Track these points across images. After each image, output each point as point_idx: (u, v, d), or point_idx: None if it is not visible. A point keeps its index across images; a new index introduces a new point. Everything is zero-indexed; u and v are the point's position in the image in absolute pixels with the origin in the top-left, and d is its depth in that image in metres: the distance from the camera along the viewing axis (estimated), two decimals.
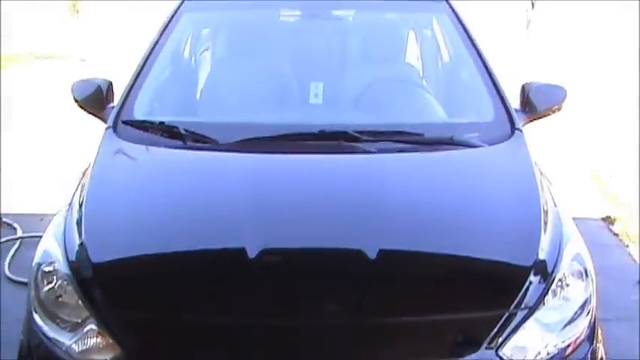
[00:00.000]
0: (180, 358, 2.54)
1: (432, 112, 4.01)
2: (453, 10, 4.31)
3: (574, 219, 3.19)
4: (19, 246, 5.24)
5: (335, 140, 3.38)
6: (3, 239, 5.34)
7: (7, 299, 4.51)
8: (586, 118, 8.32)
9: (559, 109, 3.86)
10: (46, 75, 10.95)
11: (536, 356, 2.63)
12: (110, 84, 3.90)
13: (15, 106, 8.85)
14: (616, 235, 5.71)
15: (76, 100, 3.83)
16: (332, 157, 3.37)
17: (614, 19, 13.69)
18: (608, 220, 5.92)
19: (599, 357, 2.87)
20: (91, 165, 3.32)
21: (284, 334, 2.57)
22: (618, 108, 9.08)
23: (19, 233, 5.42)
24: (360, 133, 3.41)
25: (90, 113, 3.82)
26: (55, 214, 3.21)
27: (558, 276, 2.77)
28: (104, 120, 3.68)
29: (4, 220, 5.63)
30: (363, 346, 2.54)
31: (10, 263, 4.99)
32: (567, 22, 14.22)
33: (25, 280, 3.63)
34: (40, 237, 3.11)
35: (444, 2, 4.38)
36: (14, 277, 4.79)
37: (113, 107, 3.72)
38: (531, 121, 3.79)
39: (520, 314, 2.63)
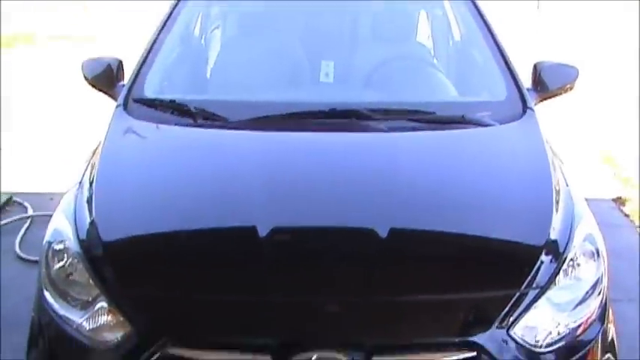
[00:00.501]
0: (190, 335, 2.53)
1: (443, 90, 4.00)
2: None
3: (585, 199, 3.18)
4: (30, 225, 5.26)
5: (346, 118, 3.39)
6: (14, 218, 5.36)
7: (18, 278, 4.53)
8: (598, 99, 8.28)
9: (571, 89, 3.84)
10: (54, 55, 10.92)
11: (547, 336, 2.61)
12: (120, 62, 3.90)
13: (25, 85, 8.86)
14: (627, 215, 5.69)
15: (86, 78, 3.84)
16: (343, 136, 3.37)
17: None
18: (620, 201, 5.90)
19: (609, 337, 2.86)
20: (102, 143, 3.32)
21: (294, 311, 2.56)
22: (631, 89, 9.01)
23: (30, 212, 5.45)
24: (372, 111, 3.41)
25: (100, 91, 3.83)
26: (65, 193, 3.21)
27: (570, 256, 2.76)
28: (114, 98, 3.68)
29: (14, 199, 5.65)
30: (373, 324, 2.53)
31: (20, 242, 5.01)
32: (579, 1, 14.11)
33: (35, 258, 3.64)
34: (51, 216, 3.11)
35: None
36: (25, 256, 4.81)
37: (123, 85, 3.72)
38: (543, 100, 3.78)
39: (531, 294, 2.61)
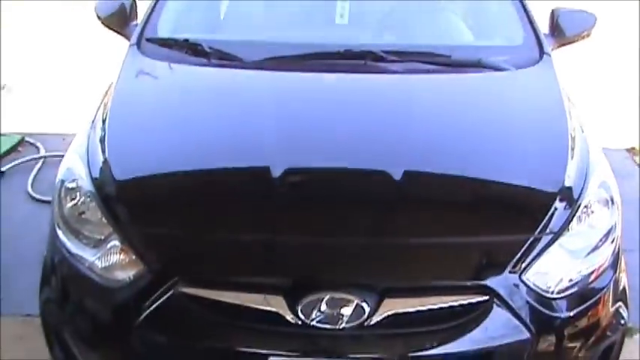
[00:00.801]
0: (202, 274, 2.54)
1: (459, 34, 3.97)
2: None
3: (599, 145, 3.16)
4: (42, 165, 5.26)
5: (361, 60, 3.37)
6: (26, 158, 5.36)
7: (31, 218, 4.55)
8: (613, 48, 8.14)
9: (588, 36, 3.83)
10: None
11: (559, 282, 2.61)
12: (134, 2, 3.90)
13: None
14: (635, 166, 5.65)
15: (99, 18, 3.84)
16: (358, 77, 3.36)
17: None
18: (633, 151, 5.85)
19: (621, 286, 2.87)
20: (115, 82, 3.31)
21: (306, 252, 2.56)
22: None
23: (42, 152, 5.45)
24: (387, 53, 3.39)
25: (113, 31, 3.83)
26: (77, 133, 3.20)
27: (584, 203, 2.75)
28: (127, 37, 3.68)
29: (26, 139, 5.65)
30: (386, 266, 2.53)
31: (33, 182, 5.02)
32: None
33: (48, 198, 3.65)
34: (63, 156, 3.11)
35: None
36: (37, 196, 4.82)
37: (137, 25, 3.71)
38: (560, 46, 3.77)
39: (544, 239, 2.60)
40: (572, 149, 2.94)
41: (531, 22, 3.68)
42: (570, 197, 2.74)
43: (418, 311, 2.46)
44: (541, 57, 3.52)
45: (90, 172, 2.83)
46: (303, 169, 2.81)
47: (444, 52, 3.47)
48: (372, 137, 2.95)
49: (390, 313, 2.44)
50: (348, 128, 3.01)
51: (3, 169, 5.19)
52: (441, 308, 2.47)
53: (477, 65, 3.41)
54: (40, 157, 5.37)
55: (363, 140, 2.94)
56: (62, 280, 2.78)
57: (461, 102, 3.26)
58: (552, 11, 3.87)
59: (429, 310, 2.46)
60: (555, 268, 2.61)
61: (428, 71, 3.37)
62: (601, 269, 2.71)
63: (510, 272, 2.53)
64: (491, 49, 3.64)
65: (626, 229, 3.04)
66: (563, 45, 3.77)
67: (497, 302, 2.49)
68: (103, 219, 2.67)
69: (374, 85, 3.33)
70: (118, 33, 3.81)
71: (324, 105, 3.21)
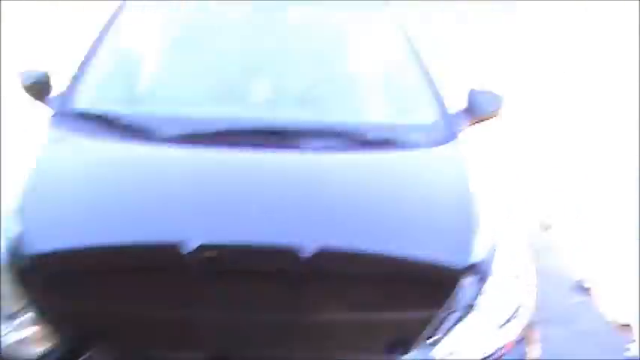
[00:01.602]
0: (115, 349, 2.52)
1: (373, 112, 4.03)
2: (392, 14, 4.38)
3: (510, 221, 3.23)
4: None
5: (276, 137, 3.42)
6: None
7: None
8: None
9: (496, 116, 3.90)
10: None
11: (469, 357, 2.65)
12: (50, 73, 3.88)
13: None
14: (552, 240, 5.76)
15: (23, 87, 3.82)
16: (272, 155, 3.39)
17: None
18: (545, 225, 5.97)
19: (534, 359, 2.90)
20: (33, 154, 3.30)
21: (219, 328, 2.58)
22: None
23: None
24: (302, 130, 3.45)
25: (36, 100, 3.81)
26: None
27: (493, 277, 2.79)
28: (49, 107, 3.66)
29: None
30: (296, 343, 2.56)
31: None
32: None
33: None
34: None
35: (385, 6, 4.48)
36: None
37: (59, 96, 3.70)
38: (471, 125, 3.84)
39: (455, 315, 2.65)
40: (480, 225, 2.99)
41: (441, 102, 3.78)
42: (479, 272, 2.79)
43: None
44: (451, 136, 3.61)
45: (4, 244, 2.80)
46: (216, 244, 2.79)
47: (356, 131, 3.53)
48: (286, 214, 2.97)
49: None
50: (262, 205, 3.01)
51: None
52: None
53: (390, 143, 3.48)
54: None
55: (276, 216, 2.94)
56: None
57: (372, 180, 3.30)
58: (469, 91, 3.96)
59: None
60: (466, 343, 2.65)
61: (342, 149, 3.42)
62: (513, 343, 2.75)
63: (421, 348, 2.56)
64: (403, 127, 3.69)
65: (543, 300, 3.10)
66: (475, 124, 3.84)
67: None
68: (17, 292, 2.63)
69: (288, 162, 3.36)
70: (41, 102, 3.80)
71: (239, 181, 3.21)
